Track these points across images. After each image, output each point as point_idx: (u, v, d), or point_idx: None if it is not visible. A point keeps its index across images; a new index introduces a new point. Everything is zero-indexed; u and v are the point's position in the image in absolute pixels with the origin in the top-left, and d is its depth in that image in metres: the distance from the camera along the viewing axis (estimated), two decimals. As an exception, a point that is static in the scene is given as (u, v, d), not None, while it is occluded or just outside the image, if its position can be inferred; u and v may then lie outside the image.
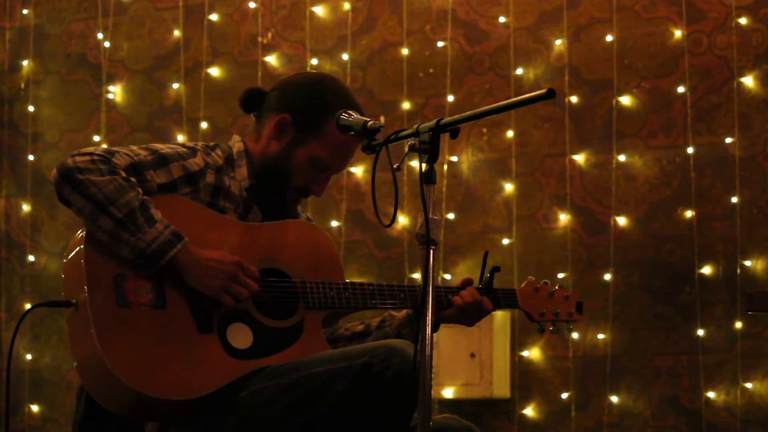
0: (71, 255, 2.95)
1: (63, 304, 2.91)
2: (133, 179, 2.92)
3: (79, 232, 2.96)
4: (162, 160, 3.00)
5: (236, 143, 3.16)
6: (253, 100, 3.18)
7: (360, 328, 3.26)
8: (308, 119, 3.08)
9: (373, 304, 3.10)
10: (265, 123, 3.14)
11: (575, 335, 5.27)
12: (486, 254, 3.29)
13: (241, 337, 2.96)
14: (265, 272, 3.02)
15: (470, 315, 3.20)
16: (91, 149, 2.93)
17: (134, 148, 3.00)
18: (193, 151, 3.06)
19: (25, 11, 6.31)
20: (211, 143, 3.16)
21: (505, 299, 3.29)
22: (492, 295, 3.24)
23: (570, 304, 3.35)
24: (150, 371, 2.84)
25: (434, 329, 3.17)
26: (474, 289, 3.21)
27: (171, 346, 2.88)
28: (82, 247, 2.90)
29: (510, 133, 5.47)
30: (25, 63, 6.29)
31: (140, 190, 2.92)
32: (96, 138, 6.10)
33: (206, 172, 3.04)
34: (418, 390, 2.53)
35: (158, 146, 3.04)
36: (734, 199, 5.12)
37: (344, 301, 3.07)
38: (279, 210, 3.15)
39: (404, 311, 3.22)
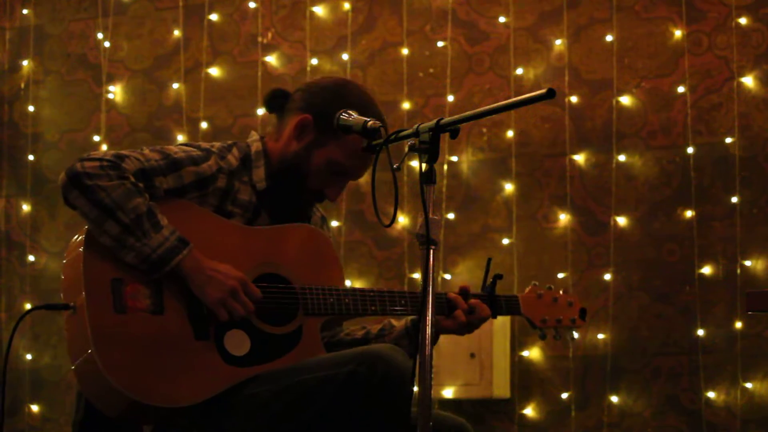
0: (70, 258, 2.94)
1: (61, 308, 2.90)
2: (140, 184, 2.91)
3: (77, 236, 2.95)
4: (174, 165, 2.98)
5: (255, 142, 3.15)
6: (277, 101, 3.19)
7: (361, 333, 3.26)
8: (329, 121, 3.06)
9: (373, 310, 3.10)
10: (287, 123, 3.14)
11: (575, 335, 5.26)
12: (489, 261, 3.27)
13: (238, 344, 2.95)
14: (265, 277, 3.02)
15: (469, 324, 3.20)
16: (100, 154, 2.91)
17: (146, 151, 2.98)
18: (207, 154, 3.04)
19: (25, 11, 6.31)
20: (228, 142, 3.14)
21: (507, 306, 3.28)
22: (494, 302, 3.23)
23: (573, 310, 3.35)
24: (145, 377, 2.84)
25: (434, 341, 3.19)
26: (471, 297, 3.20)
27: (167, 352, 2.88)
28: (81, 250, 2.89)
29: (510, 133, 5.47)
30: (25, 63, 6.29)
31: (147, 195, 2.91)
32: (96, 138, 6.09)
33: (218, 177, 3.03)
34: (408, 394, 2.53)
35: (171, 149, 3.02)
36: (734, 199, 5.12)
37: (344, 307, 3.07)
38: (291, 213, 3.15)
39: (403, 321, 3.22)
